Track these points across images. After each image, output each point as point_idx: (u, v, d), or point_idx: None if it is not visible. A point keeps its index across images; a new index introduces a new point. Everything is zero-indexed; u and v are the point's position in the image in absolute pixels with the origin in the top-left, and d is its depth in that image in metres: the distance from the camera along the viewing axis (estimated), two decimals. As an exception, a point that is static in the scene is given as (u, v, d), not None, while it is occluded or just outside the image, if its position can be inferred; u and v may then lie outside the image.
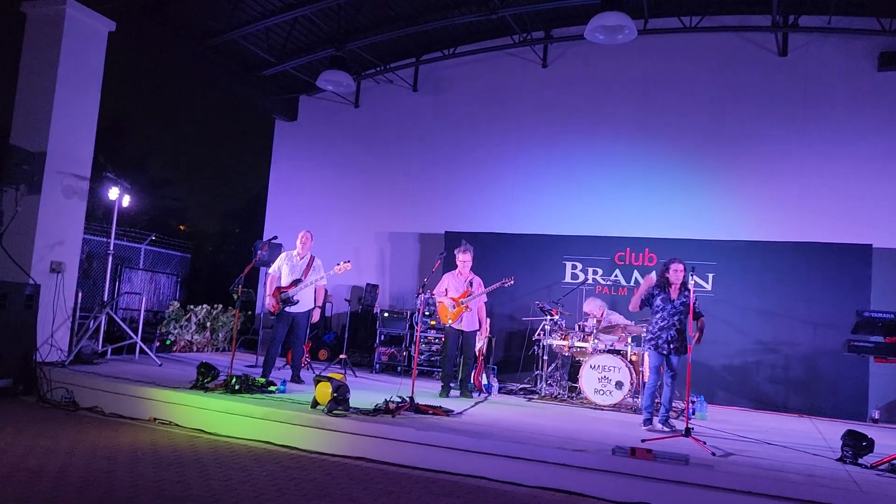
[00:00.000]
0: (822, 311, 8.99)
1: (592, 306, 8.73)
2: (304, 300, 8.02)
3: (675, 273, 6.50)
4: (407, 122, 12.66)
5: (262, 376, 7.41)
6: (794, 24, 9.89)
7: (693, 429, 5.84)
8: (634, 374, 7.84)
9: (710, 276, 9.50)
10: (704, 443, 5.57)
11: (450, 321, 8.01)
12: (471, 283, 8.04)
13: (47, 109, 8.22)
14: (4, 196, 8.15)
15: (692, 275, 6.15)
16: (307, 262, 8.10)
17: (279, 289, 8.00)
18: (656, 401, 6.73)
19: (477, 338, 8.28)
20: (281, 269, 8.11)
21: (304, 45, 11.87)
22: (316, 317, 8.20)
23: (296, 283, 7.94)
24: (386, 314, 10.72)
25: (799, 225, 9.70)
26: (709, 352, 8.93)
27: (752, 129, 10.30)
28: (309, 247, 8.15)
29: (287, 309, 7.91)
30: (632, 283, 9.90)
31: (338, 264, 7.85)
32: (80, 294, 8.79)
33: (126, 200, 9.10)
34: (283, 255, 8.28)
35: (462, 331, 8.01)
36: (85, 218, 8.87)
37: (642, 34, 9.55)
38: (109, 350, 9.15)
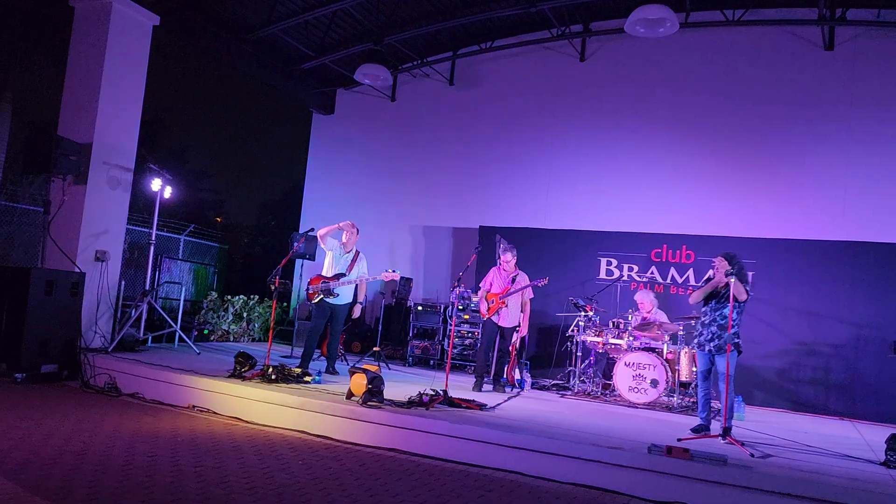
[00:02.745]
0: (865, 312, 8.77)
1: (644, 298, 8.62)
2: (344, 293, 8.00)
3: (716, 268, 6.22)
4: (442, 115, 12.66)
5: (299, 367, 7.50)
6: (841, 17, 9.63)
7: (731, 429, 5.76)
8: (670, 373, 7.76)
9: (750, 274, 9.27)
10: (742, 444, 5.49)
11: (488, 314, 8.04)
12: (513, 280, 8.02)
13: (94, 101, 8.42)
14: (52, 186, 8.39)
15: (732, 273, 6.00)
16: (353, 257, 8.05)
17: (320, 277, 8.01)
18: (715, 408, 6.56)
19: (514, 334, 8.23)
20: (325, 255, 8.11)
21: (342, 39, 11.95)
22: (357, 312, 8.14)
23: (339, 276, 7.92)
24: (419, 307, 10.77)
25: (842, 223, 9.47)
26: (747, 352, 8.65)
27: (795, 126, 10.08)
28: (355, 240, 8.11)
29: (327, 300, 7.92)
30: (668, 281, 9.78)
31: (385, 271, 7.71)
32: (122, 283, 8.99)
33: (168, 192, 9.27)
34: (336, 241, 8.11)
35: (499, 325, 8.00)
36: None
37: (683, 28, 9.40)
38: (150, 338, 9.35)
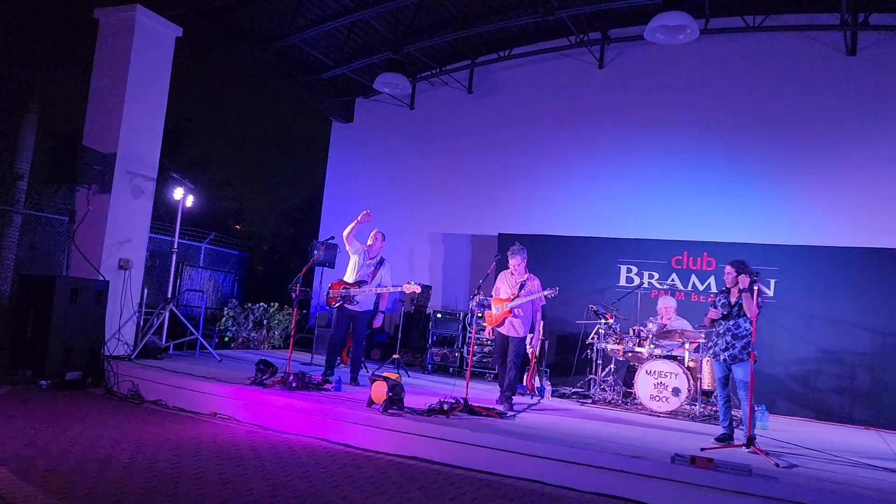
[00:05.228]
0: (890, 319, 8.62)
1: (669, 304, 8.53)
2: (364, 300, 7.87)
3: (726, 276, 6.29)
4: (461, 123, 12.68)
5: (323, 374, 7.52)
6: (864, 22, 9.54)
7: (755, 438, 5.70)
8: (692, 382, 7.68)
9: (773, 281, 9.22)
10: (767, 453, 5.42)
11: (492, 324, 7.43)
12: (521, 286, 7.34)
13: (118, 112, 8.53)
14: (77, 195, 8.51)
15: (756, 280, 5.96)
16: (375, 265, 7.91)
17: (342, 282, 7.89)
18: (736, 417, 6.52)
19: (527, 344, 7.66)
20: (350, 259, 8.01)
21: (361, 49, 12.03)
22: (379, 322, 7.97)
23: (360, 283, 7.80)
24: (439, 315, 10.76)
25: (867, 229, 9.33)
26: (770, 360, 8.68)
27: (817, 131, 9.97)
28: (379, 248, 7.98)
29: (347, 306, 7.81)
30: (689, 288, 9.70)
31: (408, 283, 7.54)
32: (145, 290, 9.08)
33: (189, 200, 9.36)
34: (361, 246, 7.97)
35: (506, 336, 7.34)
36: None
37: (703, 34, 9.32)
38: (172, 345, 9.43)
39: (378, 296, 7.99)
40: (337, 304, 7.84)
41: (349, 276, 7.92)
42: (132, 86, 8.62)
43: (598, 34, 11.36)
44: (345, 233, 7.87)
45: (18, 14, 10.83)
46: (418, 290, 7.62)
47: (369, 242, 8.00)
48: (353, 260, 7.99)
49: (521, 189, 11.88)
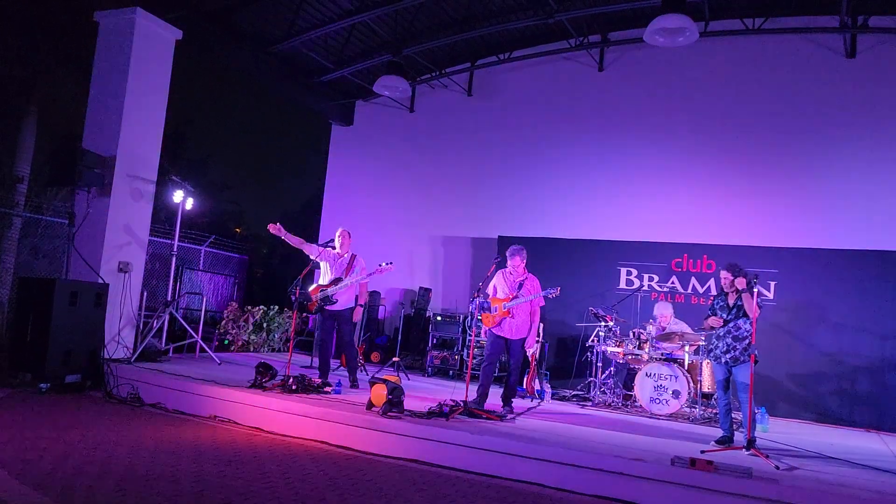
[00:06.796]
0: (891, 322, 8.63)
1: (665, 311, 8.53)
2: (344, 298, 7.84)
3: (722, 280, 6.29)
4: (461, 126, 12.69)
5: (319, 378, 7.50)
6: (863, 24, 9.55)
7: (756, 440, 5.69)
8: (692, 384, 7.67)
9: (772, 284, 9.22)
10: (767, 456, 5.41)
11: (491, 326, 7.12)
12: (520, 286, 7.06)
13: (117, 115, 8.53)
14: (76, 198, 8.51)
15: (755, 282, 5.96)
16: (348, 261, 7.92)
17: (319, 287, 7.87)
18: (736, 419, 6.52)
19: (526, 346, 7.32)
20: (321, 265, 8.03)
21: (361, 51, 12.04)
22: (357, 316, 7.99)
23: (336, 281, 7.78)
24: (439, 318, 10.75)
25: (867, 232, 9.33)
26: (770, 362, 8.65)
27: (817, 133, 9.97)
28: (348, 245, 7.99)
29: (327, 307, 7.77)
30: (689, 291, 9.70)
31: (380, 265, 7.56)
32: (145, 293, 9.07)
33: (189, 203, 9.36)
34: (328, 251, 7.97)
35: (505, 338, 7.08)
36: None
37: (703, 36, 9.34)
38: (171, 348, 9.42)
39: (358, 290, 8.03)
40: (317, 309, 7.83)
41: (324, 280, 7.92)
42: (132, 88, 8.62)
43: (598, 37, 11.38)
44: (303, 249, 7.94)
45: (19, 16, 10.85)
46: (392, 268, 7.64)
47: (338, 246, 7.96)
48: (324, 265, 8.00)
49: (521, 191, 11.88)
